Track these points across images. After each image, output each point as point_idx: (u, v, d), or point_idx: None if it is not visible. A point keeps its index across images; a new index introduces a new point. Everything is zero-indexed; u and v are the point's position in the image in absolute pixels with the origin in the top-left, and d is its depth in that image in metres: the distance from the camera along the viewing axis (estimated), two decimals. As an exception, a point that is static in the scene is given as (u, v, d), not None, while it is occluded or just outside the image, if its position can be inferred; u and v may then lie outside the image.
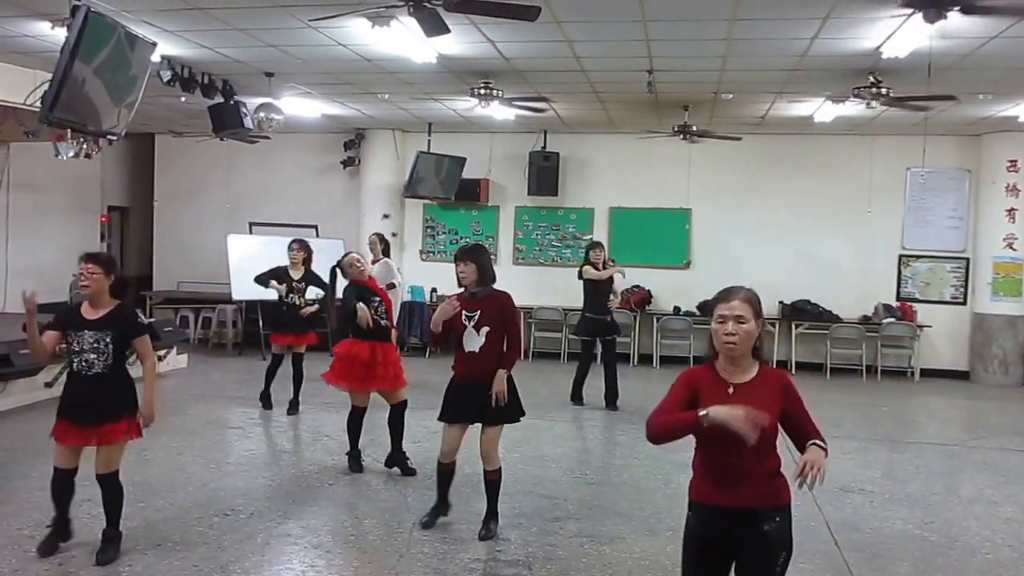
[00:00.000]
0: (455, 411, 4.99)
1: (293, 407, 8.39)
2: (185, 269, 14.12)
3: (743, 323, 2.81)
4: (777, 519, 2.84)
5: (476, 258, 4.95)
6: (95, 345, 4.35)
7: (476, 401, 4.91)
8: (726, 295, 2.88)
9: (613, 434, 8.35)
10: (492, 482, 5.03)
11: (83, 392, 4.38)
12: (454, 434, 5.00)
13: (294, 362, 8.37)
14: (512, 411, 5.00)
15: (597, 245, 9.27)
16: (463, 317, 4.90)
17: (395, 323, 6.65)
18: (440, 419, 5.07)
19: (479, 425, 4.99)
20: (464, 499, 5.54)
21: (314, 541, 4.90)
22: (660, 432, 2.84)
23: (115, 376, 4.41)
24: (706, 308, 2.95)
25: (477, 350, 4.90)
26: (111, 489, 4.49)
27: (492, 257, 5.04)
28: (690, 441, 2.91)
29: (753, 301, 2.87)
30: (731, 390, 2.84)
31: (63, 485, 4.49)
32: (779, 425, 2.87)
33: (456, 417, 4.99)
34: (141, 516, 5.14)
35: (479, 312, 4.91)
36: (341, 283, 6.58)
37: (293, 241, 8.61)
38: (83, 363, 4.36)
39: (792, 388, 2.91)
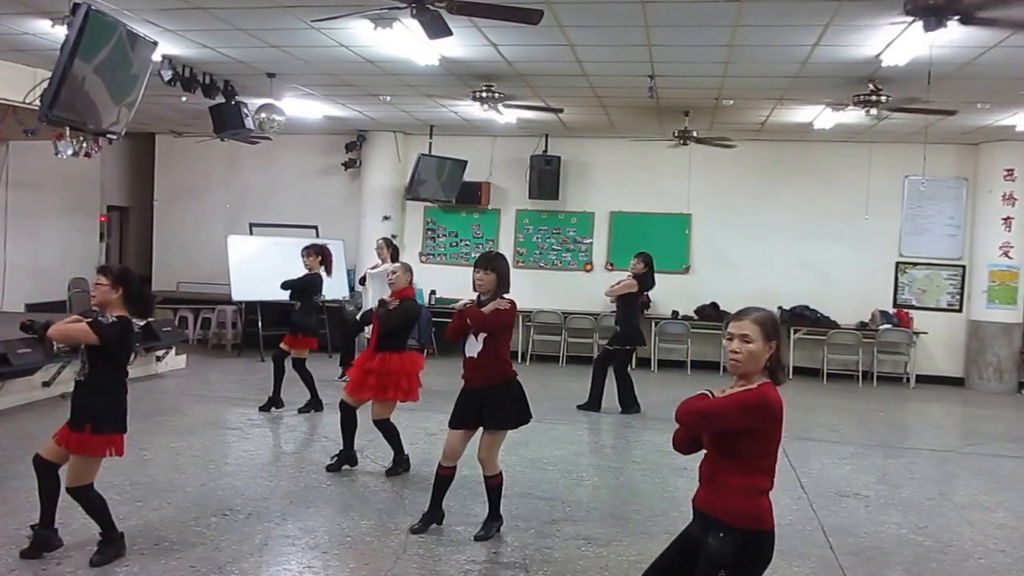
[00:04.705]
0: (454, 416, 5.00)
1: (316, 406, 8.46)
2: (185, 270, 14.11)
3: (748, 343, 2.89)
4: (722, 535, 2.82)
5: (497, 268, 4.93)
6: (80, 351, 4.45)
7: (474, 406, 4.92)
8: (739, 314, 2.97)
9: (610, 437, 8.37)
10: (491, 487, 5.04)
11: (73, 394, 4.52)
12: (454, 438, 4.98)
13: (301, 365, 8.37)
14: (508, 417, 4.96)
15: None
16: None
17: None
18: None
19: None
20: (460, 501, 5.56)
21: (311, 542, 4.91)
22: (680, 410, 2.95)
23: (90, 385, 4.39)
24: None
25: (476, 356, 4.91)
26: (80, 502, 4.40)
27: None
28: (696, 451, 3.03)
29: (765, 323, 2.91)
30: None
31: (38, 474, 4.44)
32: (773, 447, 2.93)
33: (454, 422, 4.99)
34: (138, 516, 5.14)
35: None
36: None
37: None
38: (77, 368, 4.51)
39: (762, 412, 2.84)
